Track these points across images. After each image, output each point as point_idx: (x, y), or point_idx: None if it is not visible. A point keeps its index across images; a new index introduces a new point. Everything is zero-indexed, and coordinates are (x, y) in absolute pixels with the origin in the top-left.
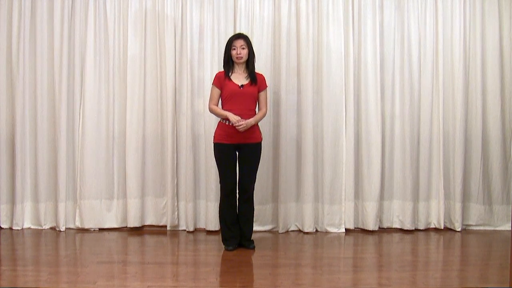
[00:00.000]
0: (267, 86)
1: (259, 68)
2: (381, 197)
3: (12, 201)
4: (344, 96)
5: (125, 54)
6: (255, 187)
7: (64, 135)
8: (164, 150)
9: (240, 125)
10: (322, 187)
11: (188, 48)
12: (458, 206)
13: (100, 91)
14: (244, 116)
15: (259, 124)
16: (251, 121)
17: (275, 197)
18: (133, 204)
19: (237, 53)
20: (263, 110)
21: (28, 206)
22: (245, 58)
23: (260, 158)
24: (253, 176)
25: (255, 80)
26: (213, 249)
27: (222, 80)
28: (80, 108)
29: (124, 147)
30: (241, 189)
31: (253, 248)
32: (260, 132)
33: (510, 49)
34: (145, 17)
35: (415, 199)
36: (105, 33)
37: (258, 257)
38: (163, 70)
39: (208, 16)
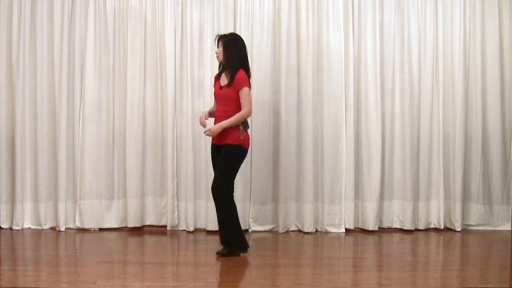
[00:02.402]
0: (244, 85)
1: (259, 68)
2: (381, 197)
3: (12, 201)
4: (344, 96)
5: (125, 54)
6: (255, 186)
7: (64, 135)
8: (164, 150)
9: (205, 132)
10: (322, 187)
11: (188, 48)
12: (458, 206)
13: (100, 91)
14: (220, 118)
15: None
16: (220, 124)
17: (275, 197)
18: (133, 204)
19: (215, 51)
20: (242, 110)
21: (28, 206)
22: (221, 57)
23: (232, 160)
24: (222, 177)
25: (233, 81)
26: (213, 249)
27: (214, 81)
28: (80, 108)
29: (124, 147)
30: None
31: (221, 255)
32: (239, 135)
33: (510, 49)
34: (145, 17)
35: (415, 199)
36: (105, 33)
37: (258, 257)
38: (163, 70)
39: (208, 16)
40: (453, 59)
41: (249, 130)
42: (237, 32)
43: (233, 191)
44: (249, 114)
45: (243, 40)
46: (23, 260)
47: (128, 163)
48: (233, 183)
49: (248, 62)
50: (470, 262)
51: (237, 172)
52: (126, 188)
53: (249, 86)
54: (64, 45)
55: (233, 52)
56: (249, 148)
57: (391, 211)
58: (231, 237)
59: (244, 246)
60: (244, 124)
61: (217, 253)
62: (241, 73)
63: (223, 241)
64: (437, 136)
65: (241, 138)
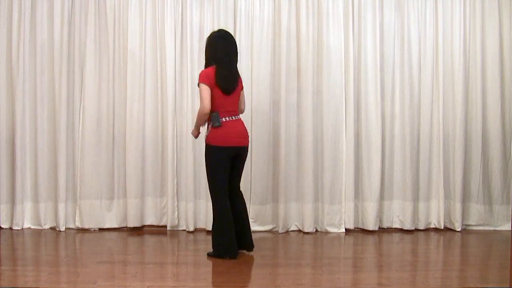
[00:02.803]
0: (199, 82)
1: (259, 68)
2: (381, 197)
3: (12, 201)
4: (344, 96)
5: (125, 54)
6: (255, 186)
7: (64, 135)
8: (164, 150)
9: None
10: (322, 187)
11: (188, 48)
12: (458, 206)
13: (100, 91)
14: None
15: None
16: (194, 127)
17: (275, 197)
18: (133, 204)
19: None
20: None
21: (28, 206)
22: None
23: (207, 160)
24: (207, 179)
25: None
26: None
27: None
28: (80, 108)
29: (124, 147)
30: None
31: (210, 256)
32: (208, 134)
33: (510, 49)
34: (145, 17)
35: (415, 199)
36: (105, 33)
37: (258, 257)
38: (163, 70)
39: (208, 16)
40: (453, 59)
41: (249, 130)
42: (237, 32)
43: (224, 193)
44: (203, 111)
45: (222, 37)
46: (23, 260)
47: (128, 163)
48: (222, 185)
49: (225, 59)
50: (470, 262)
51: (219, 172)
52: (126, 188)
53: (206, 82)
54: (64, 45)
55: (207, 50)
56: (250, 148)
57: (391, 211)
58: (216, 240)
59: (228, 252)
60: (212, 121)
61: (207, 254)
62: (204, 70)
63: (212, 243)
64: (437, 136)
65: (204, 136)
